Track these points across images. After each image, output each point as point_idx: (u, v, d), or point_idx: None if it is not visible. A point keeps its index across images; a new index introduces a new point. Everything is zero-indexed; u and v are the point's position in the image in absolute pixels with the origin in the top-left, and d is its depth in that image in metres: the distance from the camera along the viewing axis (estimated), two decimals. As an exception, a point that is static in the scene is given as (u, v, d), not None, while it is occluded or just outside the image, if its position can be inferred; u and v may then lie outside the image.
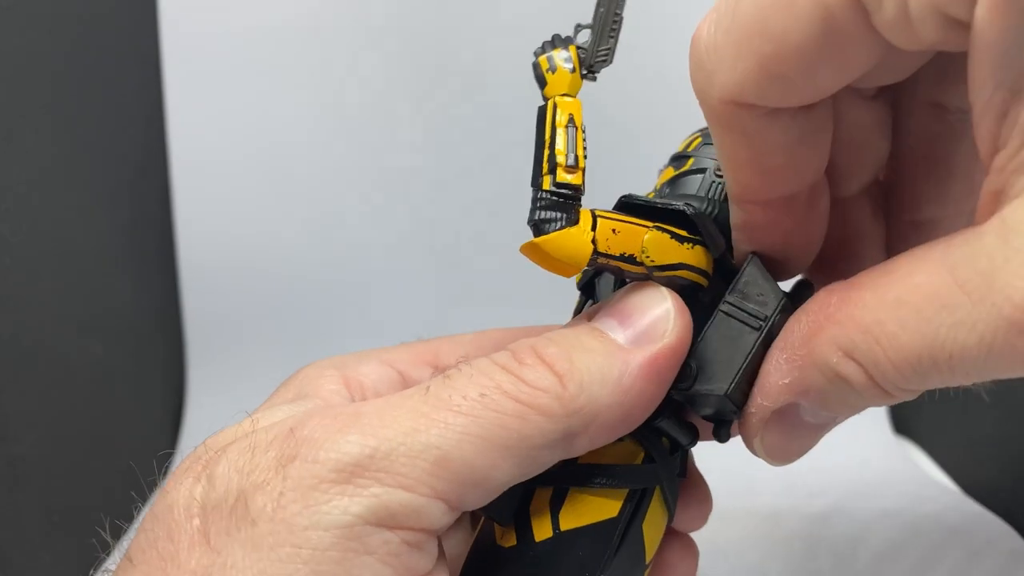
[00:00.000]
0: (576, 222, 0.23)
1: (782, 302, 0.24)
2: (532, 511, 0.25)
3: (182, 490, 0.22)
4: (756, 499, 0.47)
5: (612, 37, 0.23)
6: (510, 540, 0.25)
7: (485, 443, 0.21)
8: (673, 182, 0.27)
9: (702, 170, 0.27)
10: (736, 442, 0.27)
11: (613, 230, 0.23)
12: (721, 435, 0.25)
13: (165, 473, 0.24)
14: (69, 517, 0.43)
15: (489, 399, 0.21)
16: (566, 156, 0.22)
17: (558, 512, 0.24)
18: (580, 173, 0.23)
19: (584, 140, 0.23)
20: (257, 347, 0.58)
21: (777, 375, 0.22)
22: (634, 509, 0.25)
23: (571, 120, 0.23)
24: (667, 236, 0.24)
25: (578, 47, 0.23)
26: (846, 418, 0.24)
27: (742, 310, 0.24)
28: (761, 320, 0.24)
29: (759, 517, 0.45)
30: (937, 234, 0.21)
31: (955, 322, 0.18)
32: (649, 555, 0.26)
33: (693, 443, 0.26)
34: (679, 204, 0.25)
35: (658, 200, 0.25)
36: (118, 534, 0.25)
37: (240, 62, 0.57)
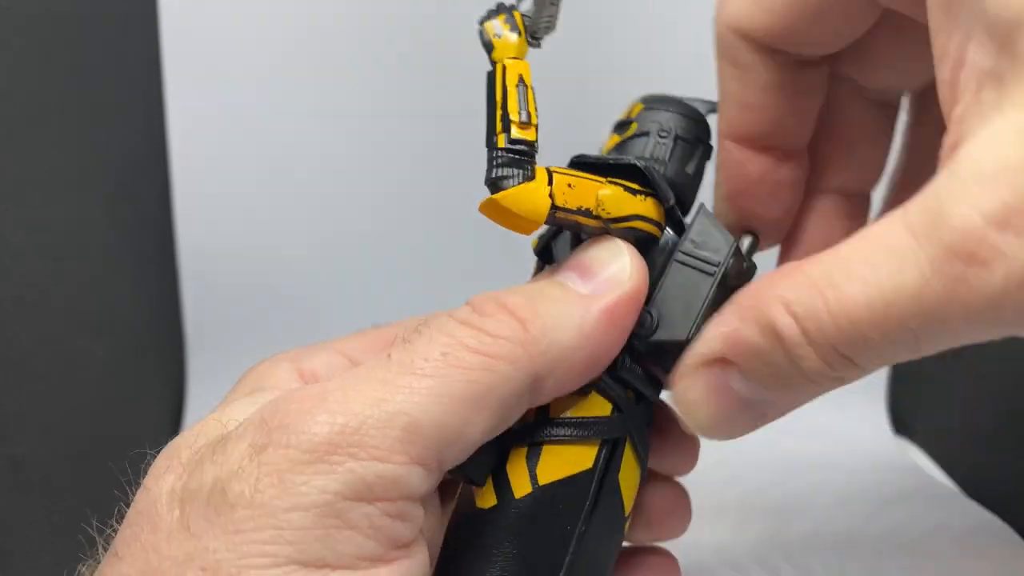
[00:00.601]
0: (532, 178, 0.23)
1: (732, 247, 0.25)
2: (509, 470, 0.25)
3: (163, 485, 0.22)
4: (754, 497, 0.47)
5: (554, 4, 0.24)
6: (490, 500, 0.25)
7: (453, 401, 0.21)
8: (619, 147, 0.28)
9: (645, 133, 0.27)
10: (733, 441, 0.27)
11: (569, 184, 0.24)
12: (665, 365, 0.25)
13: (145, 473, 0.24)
14: (69, 517, 0.43)
15: (452, 356, 0.22)
16: (519, 113, 0.23)
17: (535, 467, 0.25)
18: (533, 129, 0.23)
19: (535, 99, 0.23)
20: (257, 347, 0.57)
21: (716, 325, 0.22)
22: (608, 459, 0.26)
23: (521, 79, 0.23)
24: (620, 189, 0.25)
25: (522, 14, 0.24)
26: (776, 409, 0.23)
27: (695, 258, 0.25)
28: (714, 265, 0.25)
29: (756, 515, 0.45)
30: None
31: (900, 265, 0.18)
32: (628, 507, 0.26)
33: (656, 394, 0.27)
34: (630, 159, 0.26)
35: (609, 156, 0.26)
36: (102, 539, 0.25)
37: (240, 62, 0.57)
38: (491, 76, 0.24)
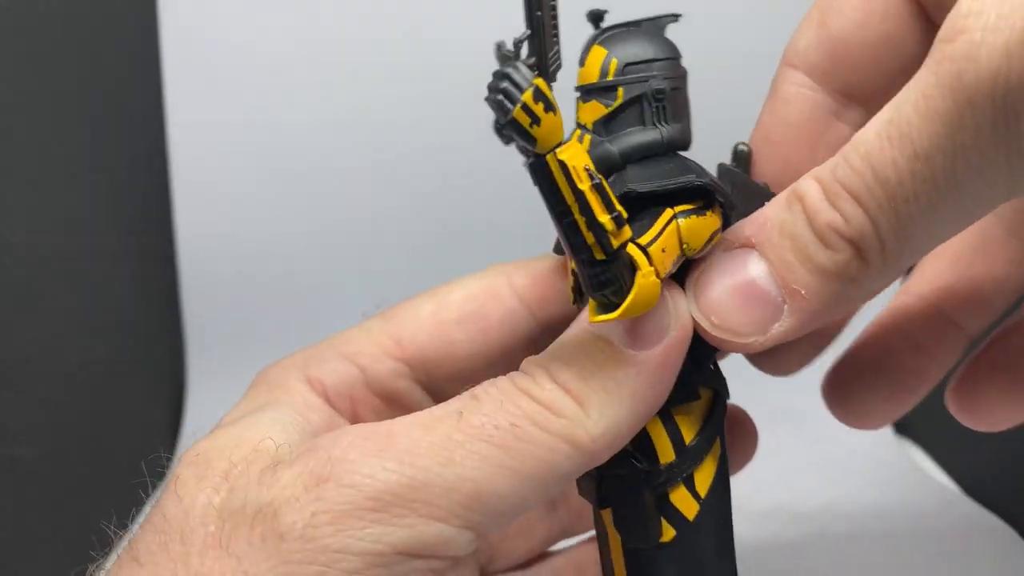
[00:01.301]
0: (636, 267, 0.21)
1: (769, 192, 0.25)
2: (675, 502, 0.25)
3: (200, 497, 0.22)
4: (754, 497, 0.47)
5: (555, 38, 0.20)
6: (668, 533, 0.25)
7: (517, 475, 0.21)
8: (608, 122, 0.25)
9: (636, 100, 0.24)
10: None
11: (662, 250, 0.22)
12: None
13: (164, 477, 0.24)
14: (69, 517, 0.43)
15: (521, 430, 0.21)
16: (608, 219, 0.19)
17: (694, 489, 0.25)
18: (627, 225, 0.20)
19: (607, 183, 0.20)
20: (257, 347, 0.57)
21: (751, 216, 0.23)
22: (723, 435, 0.26)
23: (590, 174, 0.19)
24: (693, 219, 0.23)
25: (531, 65, 0.19)
26: (797, 310, 0.22)
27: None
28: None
29: (757, 515, 0.45)
30: None
31: (906, 93, 0.19)
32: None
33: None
34: (692, 180, 0.23)
35: (669, 183, 0.23)
36: (119, 536, 0.25)
37: (239, 62, 0.57)
38: (544, 175, 0.19)
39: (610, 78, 0.24)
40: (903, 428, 0.57)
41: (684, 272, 0.24)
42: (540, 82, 0.18)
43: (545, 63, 0.19)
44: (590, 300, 0.22)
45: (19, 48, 0.44)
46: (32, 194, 0.44)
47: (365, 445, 0.21)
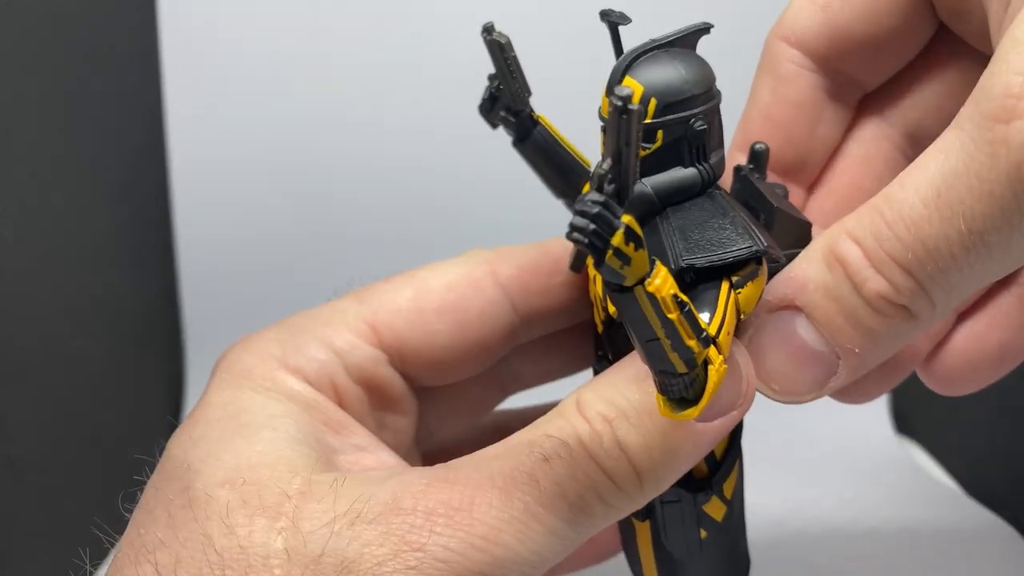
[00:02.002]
0: (709, 361, 0.20)
1: (808, 224, 0.24)
2: (705, 508, 0.26)
3: (257, 535, 0.21)
4: (754, 497, 0.47)
5: (515, 75, 0.23)
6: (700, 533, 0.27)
7: (573, 544, 0.23)
8: (650, 162, 0.23)
9: (675, 142, 0.23)
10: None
11: (728, 333, 0.21)
12: None
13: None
14: (68, 516, 0.43)
15: (588, 508, 0.22)
16: (696, 343, 0.19)
17: (722, 494, 0.26)
18: (712, 343, 0.20)
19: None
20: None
21: (784, 272, 0.22)
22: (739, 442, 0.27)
23: (679, 303, 0.18)
24: (749, 286, 0.22)
25: (508, 109, 0.22)
26: (848, 364, 0.22)
27: (790, 258, 0.23)
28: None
29: (757, 515, 0.45)
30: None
31: (947, 155, 0.19)
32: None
33: None
34: (746, 249, 0.22)
35: (730, 254, 0.22)
36: (118, 536, 0.24)
37: (239, 61, 0.57)
38: (631, 304, 0.18)
39: (648, 120, 0.22)
40: (904, 428, 0.57)
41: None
42: (630, 220, 0.17)
43: (628, 188, 0.18)
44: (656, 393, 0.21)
45: (18, 47, 0.44)
46: (31, 192, 0.44)
47: (451, 520, 0.21)
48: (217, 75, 0.57)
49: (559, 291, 0.29)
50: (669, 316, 0.18)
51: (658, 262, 0.18)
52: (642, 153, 0.22)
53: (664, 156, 0.23)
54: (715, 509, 0.26)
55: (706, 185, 0.23)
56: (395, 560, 0.21)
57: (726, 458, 0.26)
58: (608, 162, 0.17)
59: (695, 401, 0.20)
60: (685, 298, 0.19)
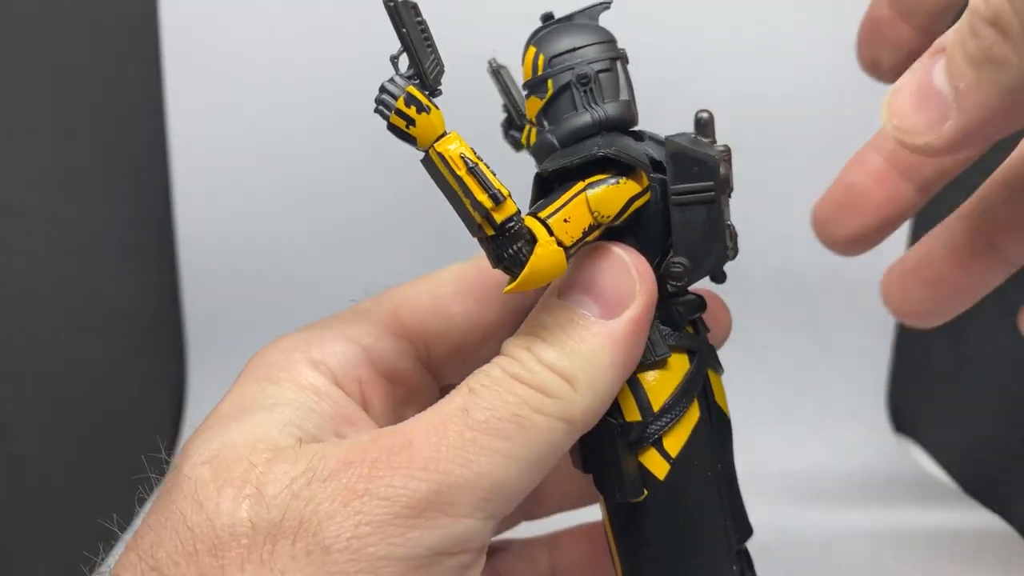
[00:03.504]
0: (534, 240, 0.23)
1: (716, 162, 0.25)
2: (645, 462, 0.26)
3: (224, 505, 0.22)
4: (754, 497, 0.47)
5: (430, 47, 0.23)
6: (642, 494, 0.26)
7: (526, 462, 0.23)
8: (547, 111, 0.26)
9: (565, 87, 0.26)
10: (737, 445, 0.28)
11: (564, 220, 0.24)
12: (719, 278, 0.27)
13: (164, 477, 0.23)
14: (68, 516, 0.43)
15: (524, 419, 0.23)
16: (487, 197, 0.22)
17: (663, 450, 0.26)
18: (509, 200, 0.22)
19: (489, 167, 0.22)
20: (257, 345, 0.57)
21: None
22: (706, 396, 0.27)
23: (465, 160, 0.22)
24: (603, 188, 0.24)
25: (408, 77, 0.22)
26: (966, 114, 0.22)
27: (689, 193, 0.25)
28: (708, 190, 0.25)
29: (757, 516, 0.45)
30: None
31: None
32: (727, 410, 0.28)
33: (704, 308, 0.28)
34: (592, 152, 0.25)
35: (572, 159, 0.25)
36: (118, 535, 0.25)
37: (240, 60, 0.57)
38: (431, 167, 0.23)
39: (540, 72, 0.26)
40: (903, 427, 0.57)
41: None
42: (412, 89, 0.22)
43: (423, 71, 0.22)
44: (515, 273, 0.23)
45: (19, 48, 0.44)
46: (32, 193, 0.44)
47: (392, 459, 0.22)
48: (219, 75, 0.57)
49: None
50: (458, 173, 0.22)
51: (454, 131, 0.22)
52: (538, 103, 0.26)
53: (559, 104, 0.26)
54: (655, 464, 0.26)
55: (603, 126, 0.26)
56: (344, 510, 0.21)
57: (668, 410, 0.26)
58: (400, 49, 0.22)
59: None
60: (476, 160, 0.22)
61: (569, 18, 0.27)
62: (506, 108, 0.30)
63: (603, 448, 0.26)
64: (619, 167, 0.25)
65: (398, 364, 0.29)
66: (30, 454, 0.42)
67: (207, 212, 0.58)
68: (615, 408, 0.26)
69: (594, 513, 0.34)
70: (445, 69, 0.23)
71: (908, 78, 0.24)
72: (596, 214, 0.24)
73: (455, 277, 0.30)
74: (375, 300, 0.30)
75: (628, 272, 0.25)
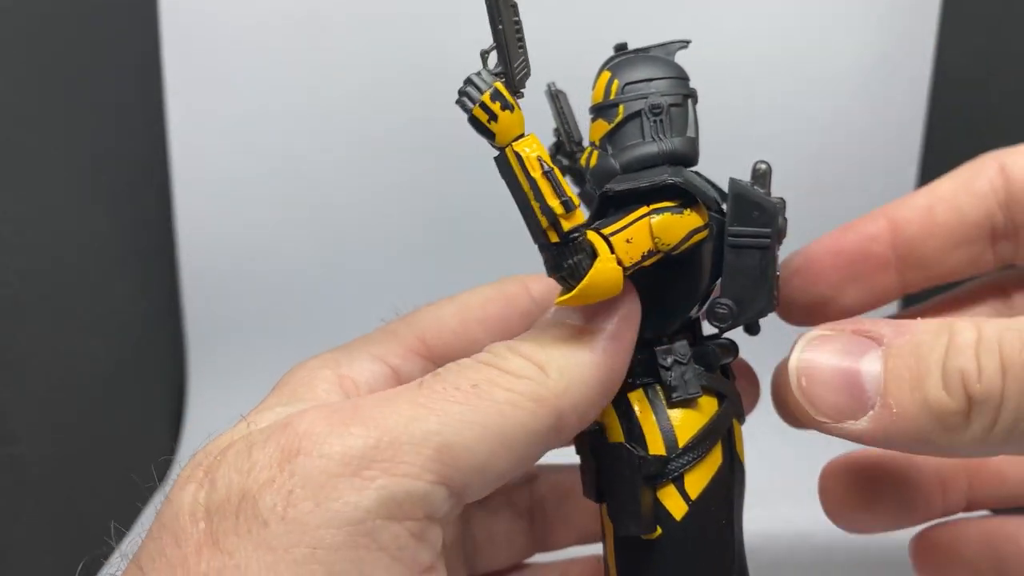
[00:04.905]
0: (595, 254, 0.23)
1: (777, 212, 0.25)
2: (662, 498, 0.25)
3: (186, 496, 0.21)
4: (753, 498, 0.47)
5: (521, 47, 0.22)
6: (655, 532, 0.26)
7: (484, 430, 0.22)
8: (612, 136, 0.27)
9: (636, 115, 0.26)
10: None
11: (627, 240, 0.24)
12: (753, 330, 0.27)
13: (164, 477, 0.23)
14: (69, 518, 0.43)
15: (482, 389, 0.22)
16: (559, 203, 0.22)
17: (683, 489, 0.25)
18: (579, 211, 0.22)
19: (562, 174, 0.22)
20: (257, 349, 0.58)
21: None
22: (729, 443, 0.27)
23: (542, 163, 0.22)
24: (667, 215, 0.25)
25: (495, 74, 0.22)
26: (877, 430, 0.22)
27: (746, 236, 0.25)
28: (766, 237, 0.25)
29: (756, 517, 0.45)
30: None
31: None
32: (744, 460, 0.28)
33: (736, 353, 0.28)
34: (664, 178, 0.25)
35: (641, 183, 0.25)
36: (120, 537, 0.25)
37: (240, 65, 0.57)
38: (505, 165, 0.22)
39: (612, 97, 0.26)
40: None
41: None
42: (499, 85, 0.22)
43: (510, 71, 0.22)
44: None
45: (19, 49, 0.44)
46: (33, 197, 0.44)
47: (332, 417, 0.21)
48: (219, 79, 0.57)
49: None
50: (532, 175, 0.22)
51: (532, 133, 0.22)
52: (605, 127, 0.27)
53: (626, 131, 0.26)
54: (673, 503, 0.25)
55: (667, 158, 0.26)
56: (280, 476, 0.20)
57: (692, 448, 0.25)
58: (492, 45, 0.22)
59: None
60: (552, 165, 0.22)
61: (645, 50, 0.27)
62: (557, 133, 0.31)
63: (622, 477, 0.25)
64: (683, 199, 0.25)
65: None
66: (30, 455, 0.42)
67: (207, 215, 0.58)
68: (640, 439, 0.25)
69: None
70: (531, 75, 0.23)
71: (834, 347, 0.23)
72: (657, 240, 0.24)
73: (483, 302, 0.30)
74: (403, 321, 0.30)
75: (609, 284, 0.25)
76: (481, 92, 0.21)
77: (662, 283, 0.26)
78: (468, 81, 0.22)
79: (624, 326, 0.24)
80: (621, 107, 0.26)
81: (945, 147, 0.51)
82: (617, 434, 0.26)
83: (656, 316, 0.26)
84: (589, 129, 0.28)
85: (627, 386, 0.26)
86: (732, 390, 0.27)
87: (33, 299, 0.43)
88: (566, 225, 0.22)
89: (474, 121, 0.22)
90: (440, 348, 0.29)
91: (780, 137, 0.54)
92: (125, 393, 0.52)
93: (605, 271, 0.23)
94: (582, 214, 0.22)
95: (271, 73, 0.57)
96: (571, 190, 0.22)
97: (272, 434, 0.21)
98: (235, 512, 0.20)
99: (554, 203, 0.22)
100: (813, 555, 0.45)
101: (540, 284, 0.30)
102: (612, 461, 0.25)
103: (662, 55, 0.27)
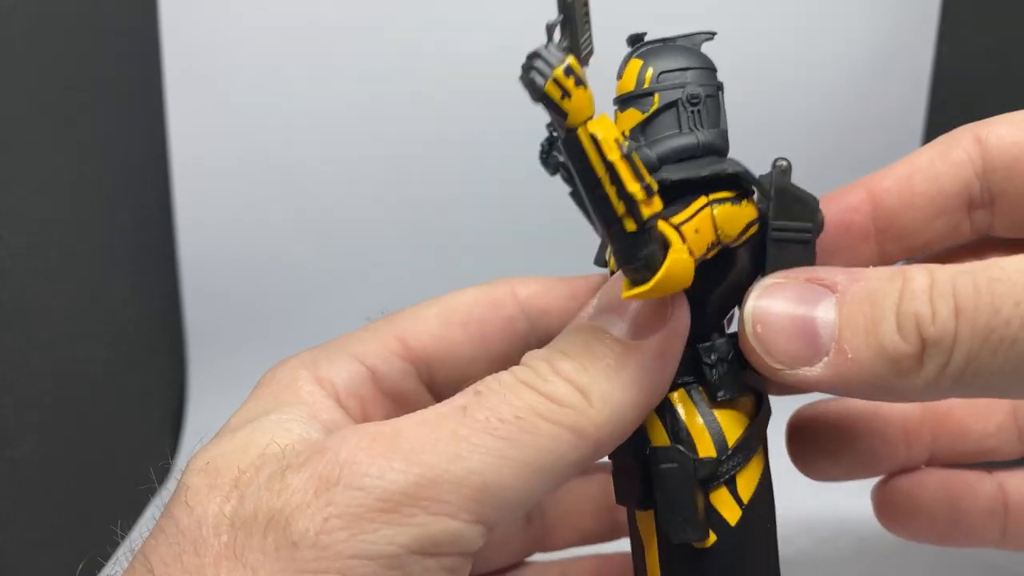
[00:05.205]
0: (667, 245, 0.22)
1: (817, 208, 0.25)
2: (716, 504, 0.25)
3: (211, 507, 0.21)
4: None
5: (587, 23, 0.21)
6: (709, 538, 0.25)
7: (524, 467, 0.21)
8: (645, 127, 0.25)
9: (672, 105, 0.25)
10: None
11: (696, 231, 0.23)
12: None
13: (164, 479, 0.24)
14: (70, 519, 0.43)
15: (525, 422, 0.22)
16: (639, 188, 0.20)
17: (736, 493, 0.25)
18: (657, 197, 0.21)
19: (638, 156, 0.21)
20: (258, 350, 0.57)
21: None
22: (767, 451, 0.26)
23: (620, 146, 0.20)
24: (727, 206, 0.24)
25: (565, 49, 0.20)
26: (833, 376, 0.22)
27: (788, 230, 0.25)
28: (808, 232, 0.25)
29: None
30: None
31: None
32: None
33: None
34: (727, 168, 0.24)
35: (702, 172, 0.24)
36: (119, 538, 0.25)
37: (240, 64, 0.57)
38: (576, 149, 0.20)
39: (647, 86, 0.25)
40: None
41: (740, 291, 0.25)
42: (571, 59, 0.19)
43: (578, 46, 0.20)
44: (624, 279, 0.22)
45: (19, 50, 0.44)
46: (33, 199, 0.44)
47: (372, 446, 0.21)
48: (218, 78, 0.57)
49: (576, 314, 0.30)
50: (610, 157, 0.20)
51: (604, 113, 0.20)
52: (638, 116, 0.25)
53: (661, 121, 0.25)
54: (727, 507, 0.25)
55: (705, 150, 0.25)
56: (315, 502, 0.20)
57: (740, 448, 0.25)
58: (559, 17, 0.20)
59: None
60: (626, 144, 0.20)
61: (672, 40, 0.26)
62: (551, 128, 0.29)
63: (675, 481, 0.24)
64: (737, 190, 0.25)
65: (403, 385, 0.28)
66: (31, 457, 0.42)
67: (208, 218, 0.58)
68: (688, 442, 0.25)
69: (605, 547, 0.34)
70: (594, 53, 0.21)
71: (787, 294, 0.23)
72: (720, 231, 0.24)
73: (467, 307, 0.29)
74: (386, 319, 0.30)
75: (663, 299, 0.24)
76: (552, 67, 0.19)
77: (707, 281, 0.25)
78: (535, 55, 0.19)
79: (672, 340, 0.24)
80: (657, 96, 0.25)
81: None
82: (661, 437, 0.25)
83: (699, 316, 0.25)
84: (616, 120, 0.26)
85: None
86: (765, 393, 0.27)
87: (33, 302, 0.43)
88: (645, 212, 0.20)
89: (545, 99, 0.19)
90: (420, 350, 0.28)
91: (778, 131, 0.54)
92: (125, 395, 0.52)
93: (680, 262, 0.21)
94: (660, 201, 0.21)
95: (272, 73, 0.57)
96: (648, 174, 0.20)
97: (310, 458, 0.21)
98: (263, 530, 0.20)
99: (634, 188, 0.20)
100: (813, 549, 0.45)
101: (527, 287, 0.30)
102: (662, 466, 0.25)
103: (689, 45, 0.26)
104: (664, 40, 0.26)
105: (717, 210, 0.24)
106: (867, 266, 0.28)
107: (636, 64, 0.26)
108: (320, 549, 0.20)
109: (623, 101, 0.26)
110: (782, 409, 0.30)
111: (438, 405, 0.23)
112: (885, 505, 0.34)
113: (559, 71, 0.19)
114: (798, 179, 0.26)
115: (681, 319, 0.24)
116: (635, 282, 0.22)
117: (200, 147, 0.58)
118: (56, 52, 0.48)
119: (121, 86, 0.55)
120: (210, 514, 0.21)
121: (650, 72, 0.25)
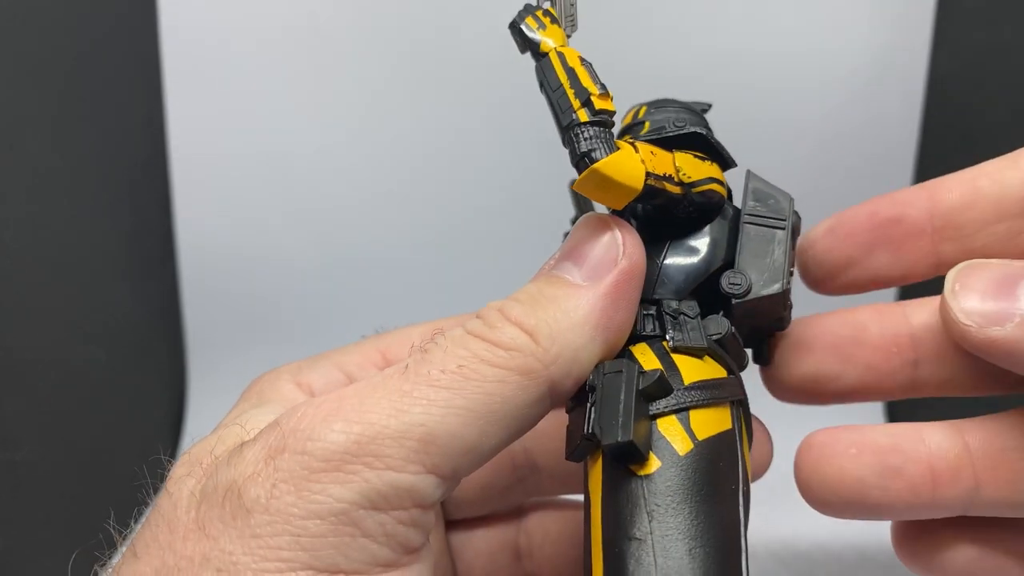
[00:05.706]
0: (618, 149, 0.23)
1: (791, 200, 0.27)
2: (665, 432, 0.23)
3: (184, 489, 0.23)
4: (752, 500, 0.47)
5: (572, 3, 0.25)
6: (652, 464, 0.23)
7: (470, 413, 0.21)
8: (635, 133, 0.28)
9: (661, 129, 0.27)
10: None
11: (651, 152, 0.25)
12: (764, 358, 0.29)
13: (163, 478, 0.24)
14: (69, 519, 0.43)
15: (468, 369, 0.22)
16: (594, 85, 0.23)
17: (689, 427, 0.23)
18: (610, 99, 0.23)
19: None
20: (257, 352, 0.58)
21: None
22: (739, 422, 0.25)
23: (582, 59, 0.24)
24: (690, 155, 0.26)
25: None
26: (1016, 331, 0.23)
27: (763, 216, 0.27)
28: (782, 219, 0.26)
29: (754, 519, 0.45)
30: None
31: None
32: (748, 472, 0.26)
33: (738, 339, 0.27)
34: (689, 128, 0.27)
35: (671, 131, 0.27)
36: (120, 538, 0.25)
37: (240, 67, 0.57)
38: (546, 66, 0.24)
39: (639, 117, 0.29)
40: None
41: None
42: (550, 8, 0.24)
43: (562, 15, 0.25)
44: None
45: (18, 51, 0.44)
46: (33, 202, 0.44)
47: (316, 413, 0.22)
48: (218, 81, 0.57)
49: None
50: (570, 63, 0.24)
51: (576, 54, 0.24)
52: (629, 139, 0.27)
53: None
54: (677, 437, 0.23)
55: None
56: (265, 468, 0.21)
57: (698, 388, 0.24)
58: None
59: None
60: (589, 63, 0.24)
61: (674, 101, 0.30)
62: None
63: (613, 387, 0.23)
64: (709, 154, 0.27)
65: None
66: (31, 459, 0.42)
67: (208, 221, 0.58)
68: (634, 358, 0.24)
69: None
70: (576, 30, 0.25)
71: (993, 269, 0.24)
72: (680, 170, 0.25)
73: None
74: (374, 336, 0.31)
75: (615, 242, 0.24)
76: (527, 15, 0.24)
77: (677, 250, 0.27)
78: (526, 6, 0.24)
79: (625, 281, 0.24)
80: (647, 123, 0.28)
81: (940, 148, 0.51)
82: None
83: (667, 281, 0.26)
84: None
85: (629, 340, 0.25)
86: (739, 378, 0.26)
87: (33, 304, 0.44)
88: (599, 104, 0.23)
89: (522, 31, 0.24)
90: (394, 361, 0.29)
91: (772, 139, 0.54)
92: (126, 396, 0.52)
93: (627, 157, 0.23)
94: (612, 103, 0.23)
95: (273, 76, 0.57)
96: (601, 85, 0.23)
97: (262, 432, 0.22)
98: (222, 501, 0.21)
99: (589, 84, 0.23)
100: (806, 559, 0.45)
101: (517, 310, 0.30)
102: (605, 374, 0.24)
103: (685, 107, 0.29)
104: (664, 100, 0.30)
105: (678, 154, 0.26)
106: (915, 264, 0.29)
107: (632, 111, 0.30)
108: (272, 513, 0.21)
109: (622, 133, 0.29)
110: (789, 436, 0.30)
111: (386, 368, 0.23)
112: (907, 547, 0.31)
113: (539, 12, 0.24)
114: (793, 182, 0.27)
115: (634, 259, 0.24)
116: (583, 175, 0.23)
117: (200, 147, 0.58)
118: (56, 52, 0.48)
119: (121, 86, 0.55)
120: (184, 495, 0.22)
121: (643, 109, 0.29)
